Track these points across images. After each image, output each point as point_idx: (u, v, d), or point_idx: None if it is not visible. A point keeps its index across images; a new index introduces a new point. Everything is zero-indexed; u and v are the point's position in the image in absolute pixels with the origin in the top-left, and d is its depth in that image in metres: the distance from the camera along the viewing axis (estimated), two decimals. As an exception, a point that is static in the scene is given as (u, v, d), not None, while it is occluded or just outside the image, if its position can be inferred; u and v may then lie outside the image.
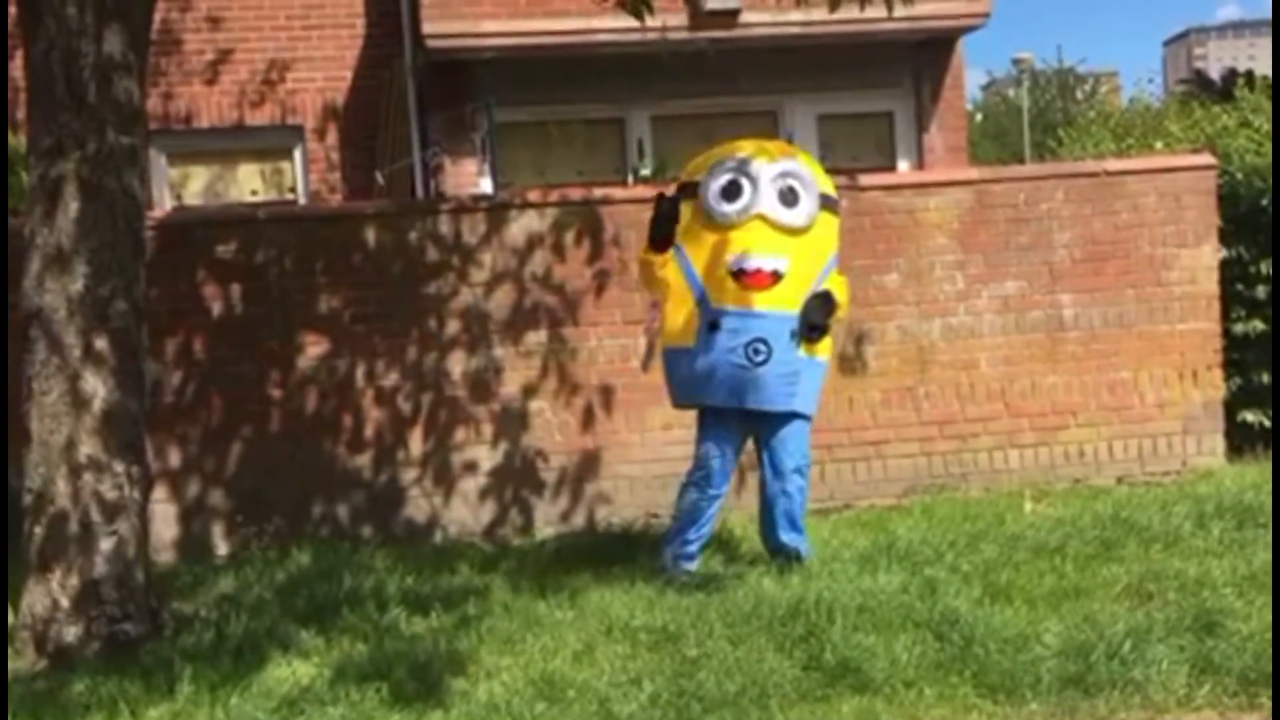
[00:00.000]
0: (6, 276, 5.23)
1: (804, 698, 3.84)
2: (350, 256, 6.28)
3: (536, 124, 9.33)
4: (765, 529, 5.18)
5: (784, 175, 5.02)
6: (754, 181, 4.97)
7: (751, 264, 4.89)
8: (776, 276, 4.89)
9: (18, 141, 6.82)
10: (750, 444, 5.20)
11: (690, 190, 5.12)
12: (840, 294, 5.08)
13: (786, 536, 5.10)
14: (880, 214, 6.57)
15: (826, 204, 5.11)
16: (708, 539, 5.21)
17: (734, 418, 5.03)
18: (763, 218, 4.94)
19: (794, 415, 5.02)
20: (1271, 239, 6.77)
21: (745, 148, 5.20)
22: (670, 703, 3.81)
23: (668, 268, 5.06)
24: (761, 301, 4.89)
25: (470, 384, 6.32)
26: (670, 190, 5.27)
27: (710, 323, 4.92)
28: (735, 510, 5.37)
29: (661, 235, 5.01)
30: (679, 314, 5.04)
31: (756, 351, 4.86)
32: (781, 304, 4.90)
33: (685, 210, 5.09)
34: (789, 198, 4.98)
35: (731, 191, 4.98)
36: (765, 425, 5.04)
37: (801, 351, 4.95)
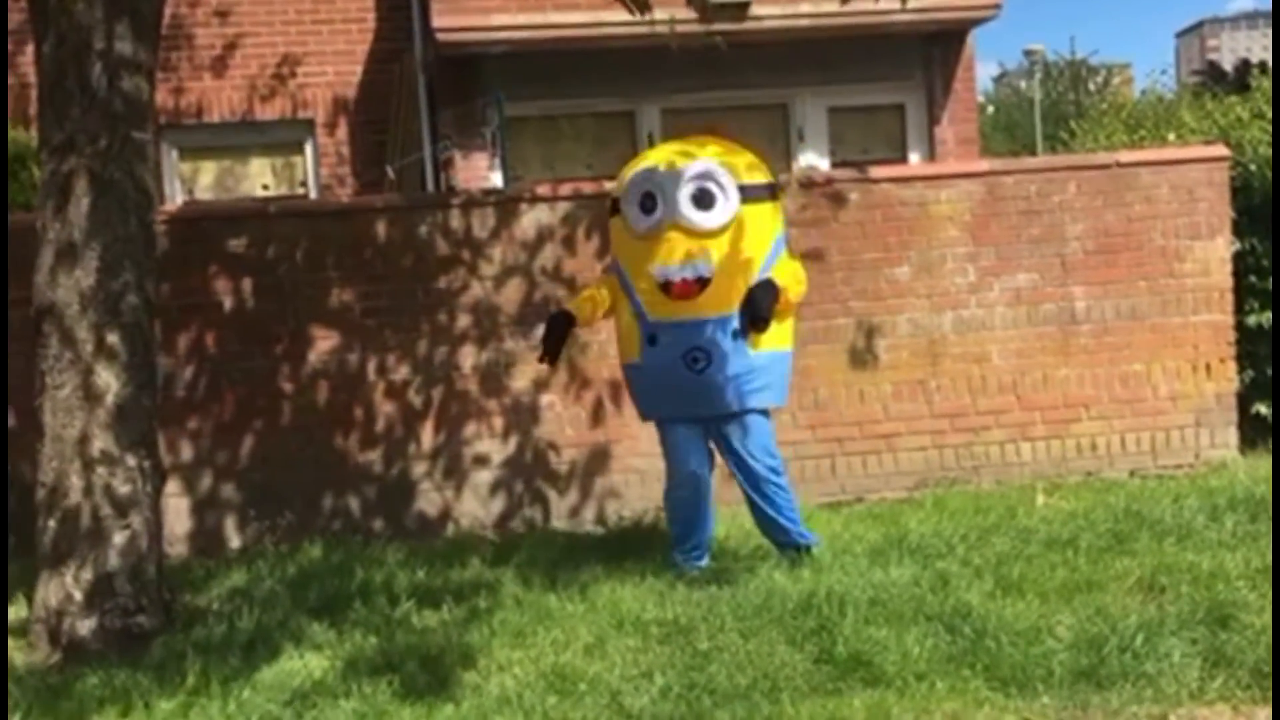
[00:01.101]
0: (6, 274, 5.24)
1: (815, 691, 3.84)
2: (361, 251, 6.28)
3: (547, 118, 9.32)
4: (760, 528, 5.18)
5: (695, 178, 4.88)
6: (665, 191, 4.89)
7: (674, 274, 4.85)
8: (702, 283, 4.83)
9: (29, 137, 6.84)
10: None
11: (615, 207, 5.12)
12: (789, 277, 4.97)
13: (780, 533, 5.09)
14: (891, 206, 6.55)
15: (752, 195, 4.95)
16: (710, 538, 5.19)
17: (689, 423, 5.00)
18: (677, 225, 4.87)
19: (750, 412, 4.96)
20: (1272, 236, 6.74)
21: (656, 155, 5.12)
22: (681, 696, 3.81)
23: (611, 288, 5.10)
24: (692, 309, 4.84)
25: (481, 378, 6.33)
26: (561, 309, 5.33)
27: (649, 336, 4.93)
28: (742, 504, 5.35)
29: (547, 352, 5.12)
30: (625, 331, 5.07)
31: (695, 360, 4.84)
32: (714, 308, 4.84)
33: (616, 226, 5.14)
34: (703, 200, 4.87)
35: (647, 204, 4.94)
36: (722, 428, 4.99)
37: (752, 348, 4.88)
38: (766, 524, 5.10)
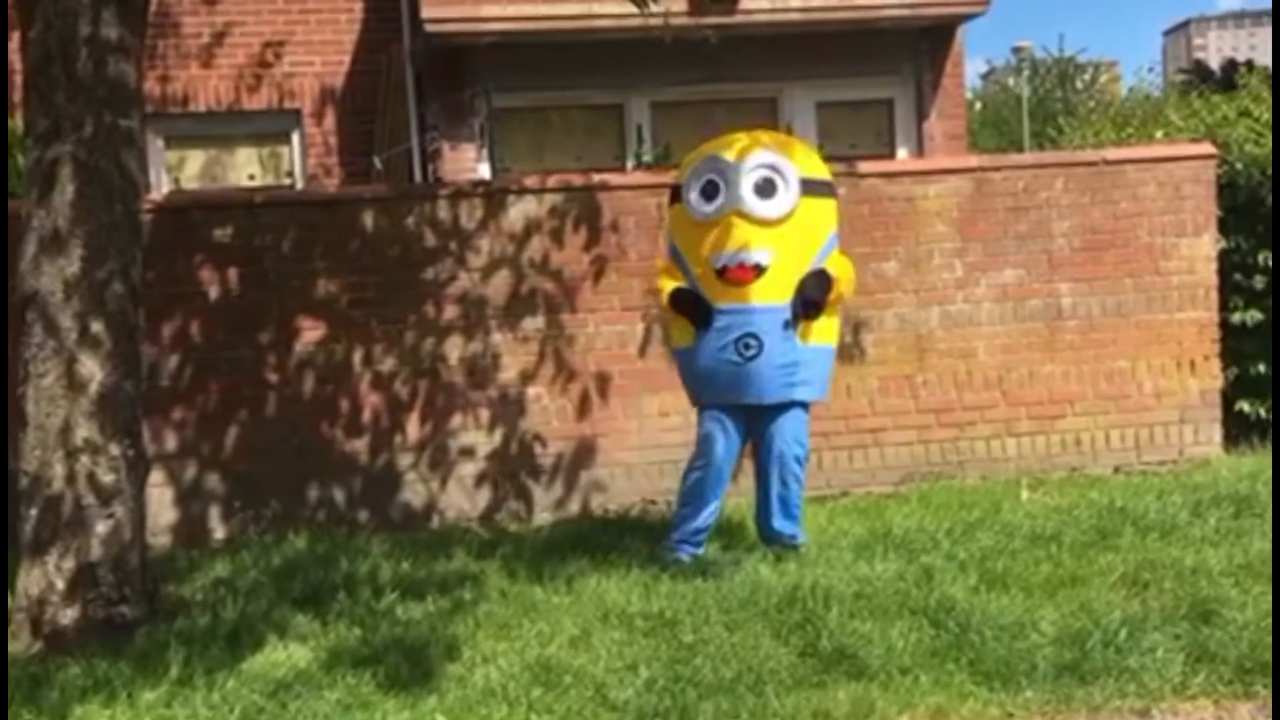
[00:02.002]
0: (6, 270, 5.20)
1: (800, 684, 3.84)
2: (347, 241, 6.26)
3: (535, 109, 9.31)
4: (761, 516, 5.20)
5: (759, 167, 4.97)
6: (728, 178, 4.97)
7: (733, 260, 4.91)
8: (759, 270, 4.89)
9: (15, 123, 6.79)
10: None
11: (677, 194, 5.18)
12: (841, 273, 5.07)
13: (781, 525, 5.12)
14: (879, 202, 6.56)
15: (813, 189, 5.05)
16: (711, 528, 5.21)
17: (734, 411, 5.04)
18: (739, 212, 4.93)
19: (792, 404, 5.03)
20: (1272, 234, 6.76)
21: (723, 144, 5.18)
22: (666, 688, 3.81)
23: (671, 272, 5.14)
24: (747, 296, 4.90)
25: (467, 370, 6.31)
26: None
27: (705, 321, 4.96)
28: (732, 496, 5.36)
29: (700, 323, 5.00)
30: (677, 317, 5.11)
31: (747, 346, 4.88)
32: (769, 296, 4.90)
33: (675, 213, 5.20)
34: (765, 189, 4.94)
35: (709, 191, 5.01)
36: (763, 416, 5.04)
37: (800, 340, 4.95)
38: (770, 513, 5.11)
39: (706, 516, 5.13)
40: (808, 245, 5.02)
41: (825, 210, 5.13)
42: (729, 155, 5.05)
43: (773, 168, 4.98)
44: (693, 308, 5.01)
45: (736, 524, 5.47)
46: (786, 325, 4.92)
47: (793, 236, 4.97)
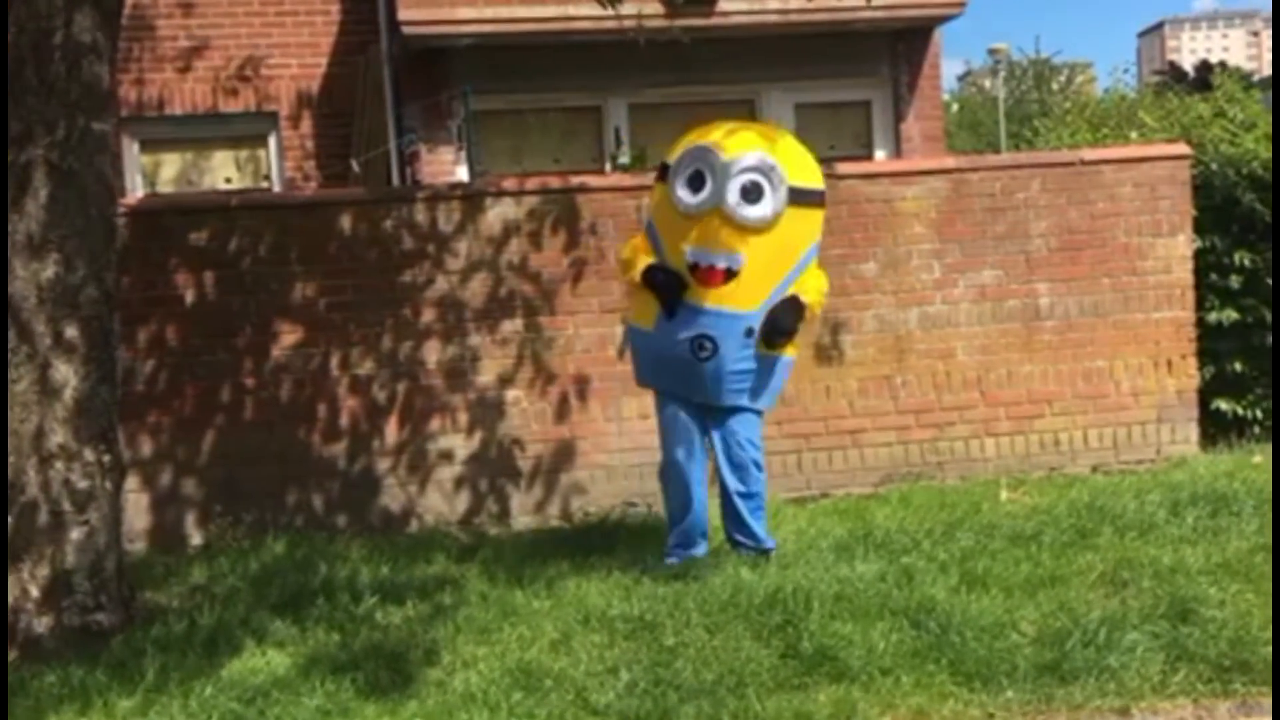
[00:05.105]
0: (6, 272, 5.14)
1: (781, 686, 3.84)
2: (325, 245, 6.23)
3: (513, 112, 9.28)
4: (725, 521, 5.13)
5: (750, 169, 4.78)
6: (717, 174, 4.80)
7: (704, 259, 4.81)
8: (729, 274, 4.79)
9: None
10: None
11: (664, 172, 5.03)
12: (813, 291, 4.98)
13: (742, 535, 5.06)
14: (857, 203, 6.56)
15: (801, 198, 4.87)
16: (707, 523, 5.12)
17: (685, 405, 5.00)
18: (721, 212, 4.79)
19: (742, 409, 4.96)
20: (1273, 234, 6.81)
21: (719, 136, 4.97)
22: (647, 691, 3.80)
23: (645, 248, 5.01)
24: (711, 299, 4.81)
25: (446, 373, 6.29)
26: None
27: (667, 311, 4.89)
28: (713, 497, 5.35)
29: (672, 306, 4.87)
30: (644, 293, 4.98)
31: (701, 348, 4.82)
32: (733, 302, 4.81)
33: (660, 191, 5.04)
34: (751, 193, 4.78)
35: (696, 182, 4.84)
36: (713, 415, 5.00)
37: (760, 349, 4.88)
38: (734, 520, 5.07)
39: (693, 512, 5.05)
40: (785, 256, 4.89)
41: (810, 221, 4.98)
42: (721, 151, 4.84)
43: (763, 172, 4.80)
44: (665, 289, 4.86)
45: (715, 526, 5.46)
46: (748, 333, 4.84)
47: (771, 245, 4.84)
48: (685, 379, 4.91)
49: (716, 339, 4.81)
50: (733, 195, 4.78)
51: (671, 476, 5.08)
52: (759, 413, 5.05)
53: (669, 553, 5.09)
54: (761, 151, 4.87)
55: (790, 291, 4.91)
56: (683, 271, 4.86)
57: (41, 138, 4.55)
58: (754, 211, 4.79)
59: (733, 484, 5.00)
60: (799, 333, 5.03)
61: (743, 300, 4.83)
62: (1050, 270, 6.68)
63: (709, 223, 4.82)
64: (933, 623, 4.16)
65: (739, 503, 5.02)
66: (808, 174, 4.99)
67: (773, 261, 4.86)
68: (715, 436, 5.01)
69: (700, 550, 5.09)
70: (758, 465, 5.03)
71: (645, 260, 4.96)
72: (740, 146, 4.88)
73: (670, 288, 4.86)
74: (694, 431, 5.01)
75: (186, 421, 6.11)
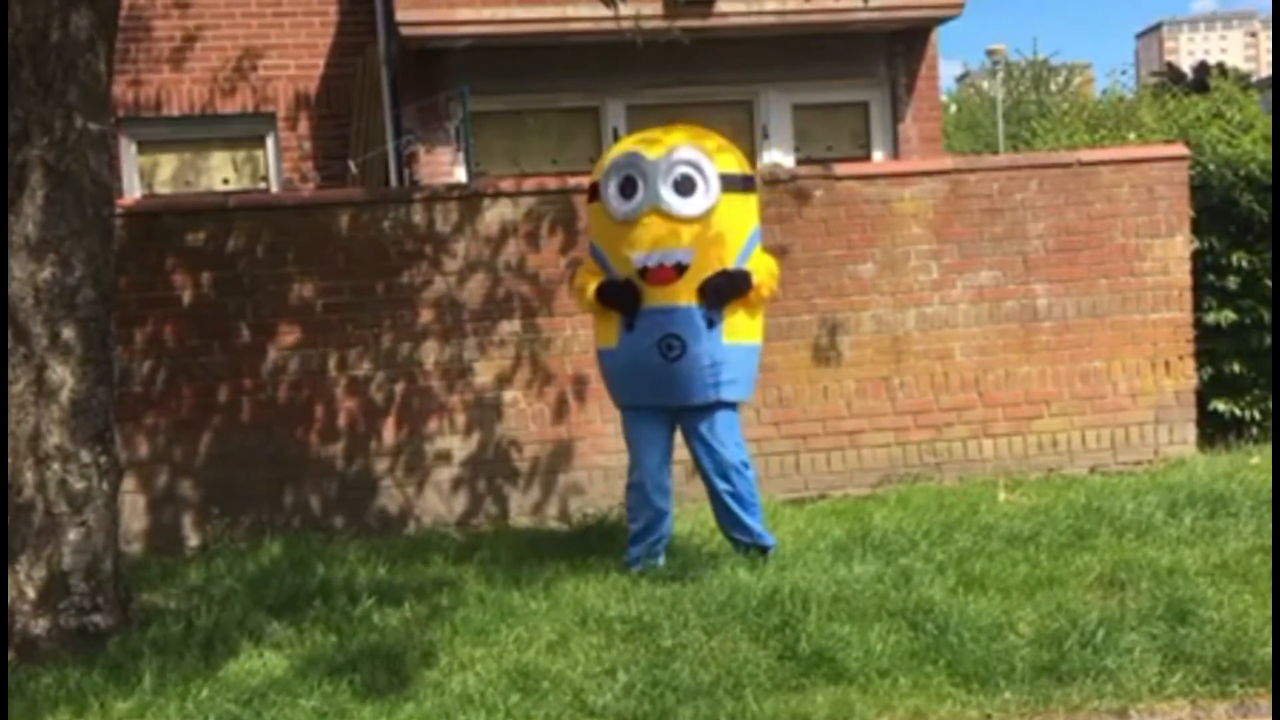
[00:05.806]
0: (5, 271, 5.13)
1: (779, 688, 3.84)
2: (322, 245, 6.23)
3: (511, 112, 9.28)
4: (720, 523, 5.15)
5: (679, 163, 4.87)
6: (647, 175, 4.87)
7: (653, 260, 4.84)
8: (680, 269, 4.82)
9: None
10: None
11: (595, 192, 5.08)
12: (763, 272, 4.98)
13: (740, 533, 5.07)
14: (855, 204, 6.57)
15: (733, 185, 4.94)
16: (667, 536, 5.16)
17: (659, 413, 5.00)
18: (658, 211, 4.85)
19: (719, 405, 4.96)
20: (1271, 235, 6.81)
21: (641, 140, 5.08)
22: (645, 693, 3.80)
23: (593, 270, 5.05)
24: (668, 296, 4.83)
25: (443, 374, 6.29)
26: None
27: (627, 322, 4.91)
28: (702, 500, 5.35)
29: (630, 315, 4.91)
30: (602, 315, 5.03)
31: (669, 347, 4.83)
32: (689, 297, 4.84)
33: (595, 211, 5.10)
34: (684, 187, 4.85)
35: (627, 189, 4.91)
36: (690, 418, 5.00)
37: (724, 339, 4.89)
38: (729, 520, 5.08)
39: (660, 524, 5.08)
40: (728, 243, 4.92)
41: (746, 206, 5.03)
42: (647, 152, 4.93)
43: (692, 164, 4.87)
44: (622, 298, 4.90)
45: (713, 528, 5.46)
46: (711, 324, 4.85)
47: (713, 235, 4.89)
48: (658, 384, 4.92)
49: (682, 336, 4.83)
50: (667, 192, 4.85)
51: (640, 496, 5.07)
52: (734, 408, 5.04)
53: (634, 560, 5.06)
54: (685, 145, 4.96)
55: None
56: (633, 278, 4.88)
57: (38, 138, 4.54)
58: (690, 204, 4.86)
59: (722, 486, 5.00)
60: (753, 313, 4.98)
61: (697, 293, 4.84)
62: (1048, 271, 6.68)
63: (649, 224, 4.86)
64: (930, 624, 4.16)
65: (731, 503, 5.02)
66: (735, 162, 5.07)
67: (719, 250, 4.90)
68: (696, 445, 5.01)
69: (660, 562, 5.08)
70: (744, 464, 5.03)
71: (595, 281, 5.01)
72: (664, 145, 4.96)
73: (625, 296, 4.91)
74: (664, 447, 5.05)
75: (183, 422, 6.10)
